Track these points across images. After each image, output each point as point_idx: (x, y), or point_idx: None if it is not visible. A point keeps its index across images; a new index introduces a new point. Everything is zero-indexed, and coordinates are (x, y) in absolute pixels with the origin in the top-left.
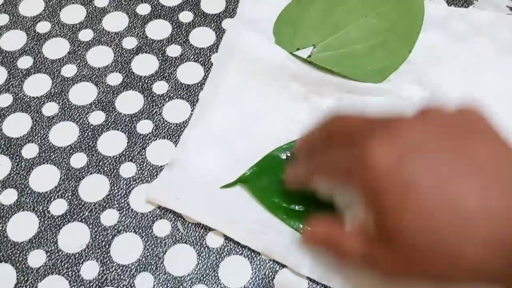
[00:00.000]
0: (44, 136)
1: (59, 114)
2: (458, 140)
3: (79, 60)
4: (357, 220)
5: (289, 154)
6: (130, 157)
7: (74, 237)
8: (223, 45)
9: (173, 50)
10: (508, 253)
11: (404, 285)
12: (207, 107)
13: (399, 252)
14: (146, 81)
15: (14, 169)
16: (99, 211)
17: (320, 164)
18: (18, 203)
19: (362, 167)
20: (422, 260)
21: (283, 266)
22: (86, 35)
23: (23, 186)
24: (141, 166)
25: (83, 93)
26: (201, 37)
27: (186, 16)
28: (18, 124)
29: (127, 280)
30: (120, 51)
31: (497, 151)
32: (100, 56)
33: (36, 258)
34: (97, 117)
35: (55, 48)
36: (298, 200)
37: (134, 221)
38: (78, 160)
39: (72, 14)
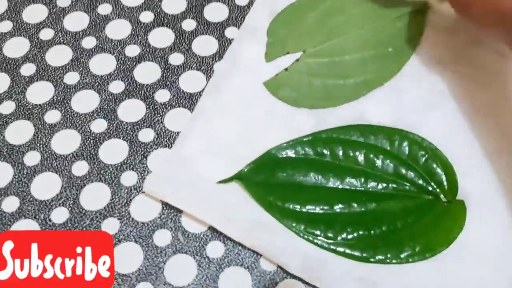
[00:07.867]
0: (46, 144)
1: (61, 121)
2: None
3: (81, 68)
4: None
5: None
6: (131, 166)
7: None
8: (228, 56)
9: (176, 59)
10: None
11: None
12: (209, 109)
13: None
14: (148, 89)
15: (16, 177)
16: (100, 220)
17: None
18: (20, 210)
19: None
20: None
21: (283, 277)
22: (89, 42)
23: (25, 193)
24: (142, 175)
25: (85, 101)
26: (204, 45)
27: (189, 24)
28: (20, 131)
29: None
30: (123, 59)
31: None
32: (102, 64)
33: None
34: (99, 125)
35: (58, 56)
36: (293, 198)
37: (134, 230)
38: (80, 168)
39: (76, 22)
